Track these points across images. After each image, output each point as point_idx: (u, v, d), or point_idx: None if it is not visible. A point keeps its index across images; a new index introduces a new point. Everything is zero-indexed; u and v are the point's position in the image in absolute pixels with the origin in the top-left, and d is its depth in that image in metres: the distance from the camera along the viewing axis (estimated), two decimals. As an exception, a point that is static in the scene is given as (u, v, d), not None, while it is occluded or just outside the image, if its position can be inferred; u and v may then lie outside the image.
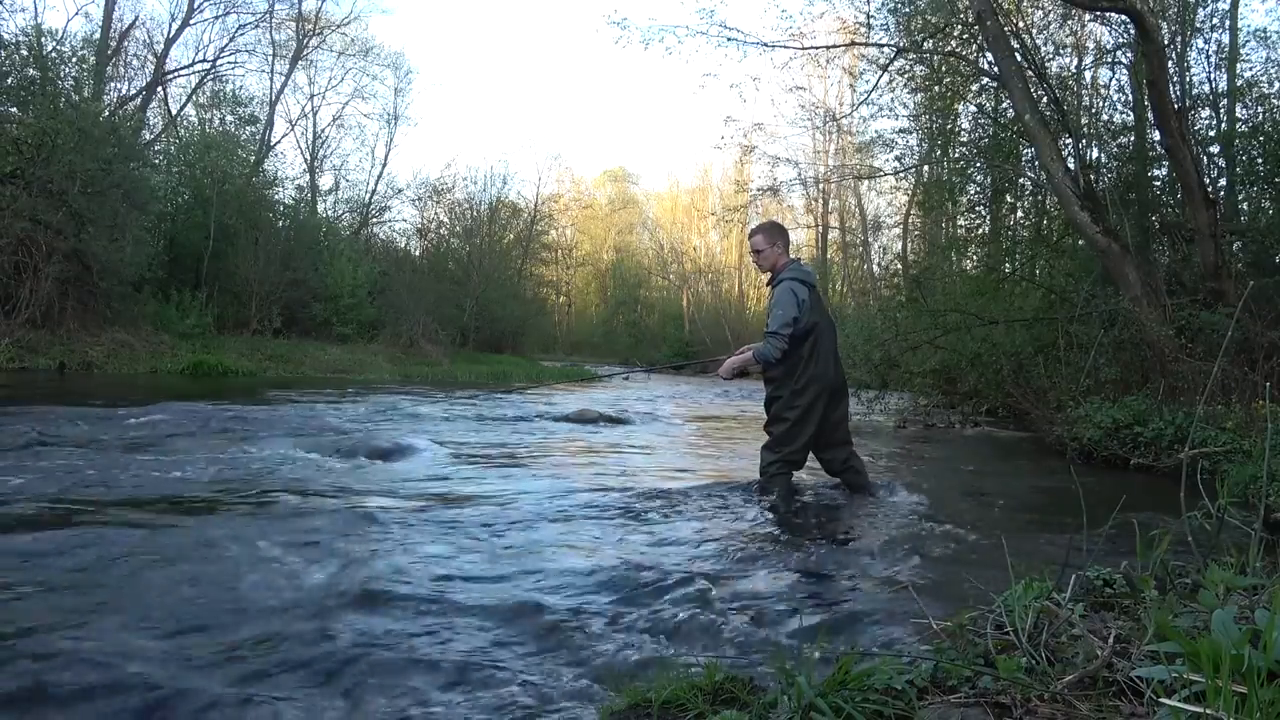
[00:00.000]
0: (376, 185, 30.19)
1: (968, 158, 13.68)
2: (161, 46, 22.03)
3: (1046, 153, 8.82)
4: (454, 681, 1.93)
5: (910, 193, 20.77)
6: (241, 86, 25.17)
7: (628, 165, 70.09)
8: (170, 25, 22.12)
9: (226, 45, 23.07)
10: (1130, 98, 11.42)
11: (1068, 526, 3.76)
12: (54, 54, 15.25)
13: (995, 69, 9.94)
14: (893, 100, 13.98)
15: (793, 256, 4.57)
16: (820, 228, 32.14)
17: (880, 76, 12.84)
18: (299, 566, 2.76)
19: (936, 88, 13.15)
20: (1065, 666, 1.42)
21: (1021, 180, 12.99)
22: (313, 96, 28.27)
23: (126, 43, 21.13)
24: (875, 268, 28.01)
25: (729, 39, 11.82)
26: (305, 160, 28.30)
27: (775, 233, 4.58)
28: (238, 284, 19.37)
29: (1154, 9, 9.23)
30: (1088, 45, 12.97)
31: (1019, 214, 14.67)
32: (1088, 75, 13.23)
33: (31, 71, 14.65)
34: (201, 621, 2.22)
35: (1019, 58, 9.64)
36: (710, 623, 2.38)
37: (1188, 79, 10.76)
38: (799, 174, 24.71)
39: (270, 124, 25.34)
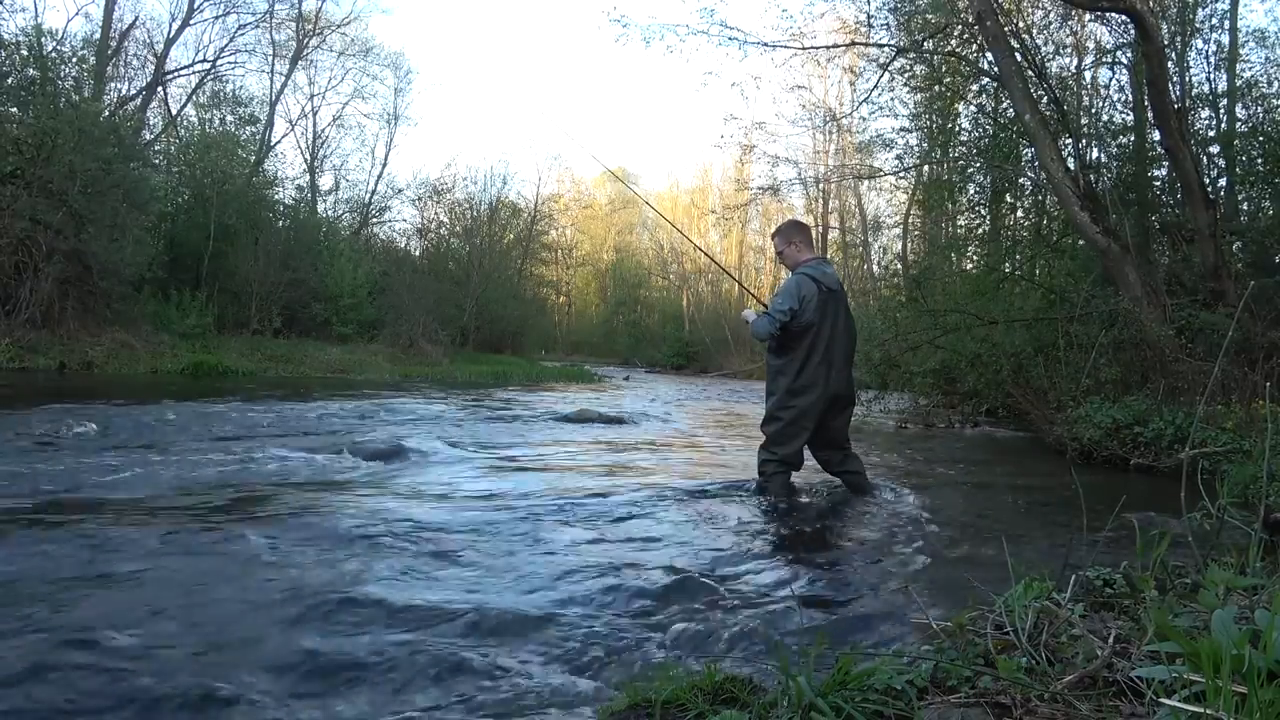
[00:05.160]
0: (376, 185, 30.28)
1: (968, 158, 13.68)
2: (161, 46, 22.08)
3: (1046, 153, 8.82)
4: (453, 682, 1.93)
5: (910, 192, 20.78)
6: (241, 86, 25.21)
7: (628, 165, 69.96)
8: (170, 25, 22.19)
9: (226, 45, 23.14)
10: (1130, 98, 11.42)
11: (1068, 526, 3.76)
12: (54, 54, 15.25)
13: (995, 69, 9.94)
14: (893, 100, 14.01)
15: (818, 255, 4.52)
16: (820, 228, 32.08)
17: (880, 76, 12.87)
18: (299, 568, 2.75)
19: (937, 87, 13.16)
20: (1065, 666, 1.42)
21: (1021, 180, 12.98)
22: (313, 96, 28.35)
23: (126, 43, 21.16)
24: (875, 268, 28.02)
25: (729, 38, 11.85)
26: (305, 160, 28.35)
27: (791, 231, 4.52)
28: (238, 284, 19.38)
29: (1154, 9, 9.23)
30: (1088, 45, 12.98)
31: (1019, 214, 14.67)
32: (1088, 75, 13.25)
33: (31, 71, 14.65)
34: (198, 623, 2.21)
35: (1019, 58, 9.64)
36: (710, 622, 2.38)
37: (1188, 79, 10.76)
38: (799, 173, 24.72)
39: (270, 124, 25.38)
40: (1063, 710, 1.26)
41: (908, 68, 12.87)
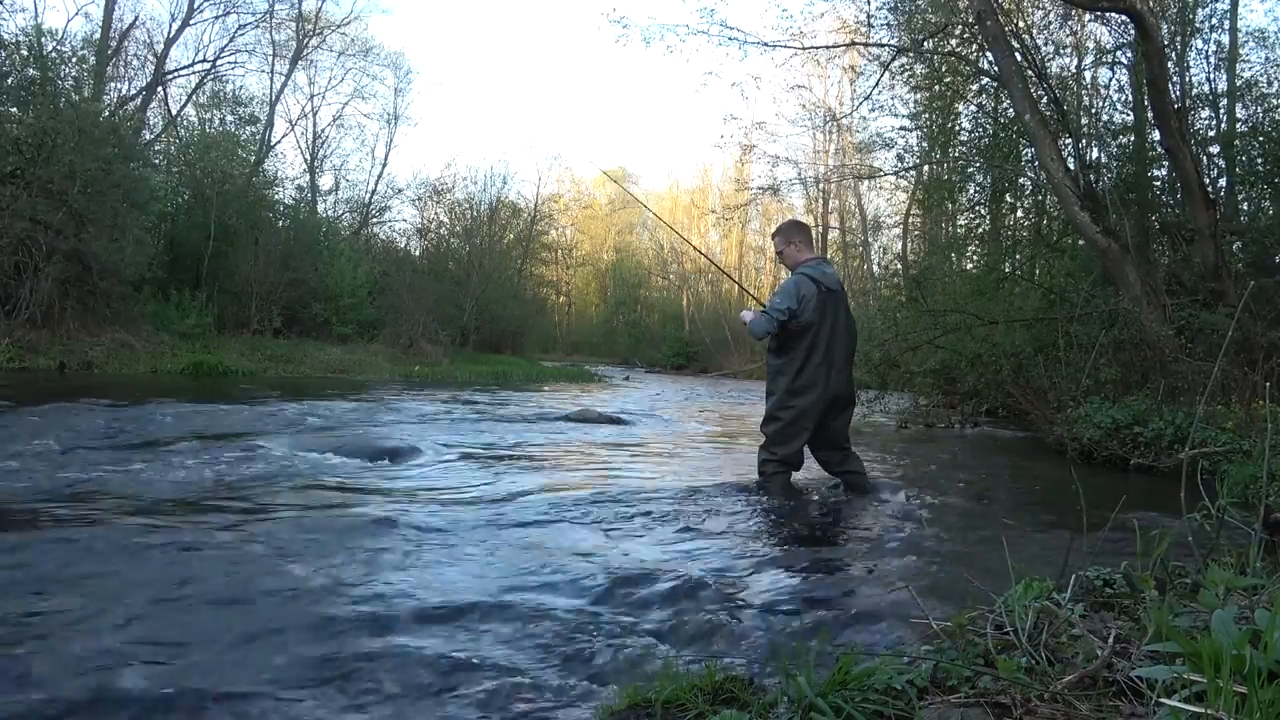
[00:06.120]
0: (376, 185, 30.29)
1: (968, 157, 13.69)
2: (161, 46, 22.08)
3: (1046, 153, 8.82)
4: (454, 682, 1.93)
5: (910, 192, 20.78)
6: (241, 86, 25.19)
7: (627, 165, 69.90)
8: (170, 25, 22.17)
9: (226, 45, 23.12)
10: (1130, 98, 11.43)
11: (1068, 526, 3.76)
12: (54, 54, 15.25)
13: (995, 69, 9.94)
14: (893, 99, 14.03)
15: (818, 255, 4.52)
16: (820, 228, 32.08)
17: (881, 75, 12.87)
18: (301, 568, 2.75)
19: (937, 87, 13.17)
20: (1065, 666, 1.42)
21: (1021, 180, 12.99)
22: (313, 96, 28.37)
23: (126, 43, 21.15)
24: (875, 268, 28.01)
25: (729, 38, 11.88)
26: (305, 160, 28.37)
27: (791, 231, 4.51)
28: (238, 284, 19.37)
29: (1154, 9, 9.23)
30: (1088, 45, 12.98)
31: (1019, 214, 14.69)
32: (1088, 75, 13.25)
33: (31, 71, 14.64)
34: (200, 625, 2.21)
35: (1019, 58, 9.65)
36: (710, 623, 2.38)
37: (1188, 79, 10.77)
38: (799, 173, 24.72)
39: (270, 124, 25.37)
40: (1063, 710, 1.26)
41: (908, 67, 12.88)
